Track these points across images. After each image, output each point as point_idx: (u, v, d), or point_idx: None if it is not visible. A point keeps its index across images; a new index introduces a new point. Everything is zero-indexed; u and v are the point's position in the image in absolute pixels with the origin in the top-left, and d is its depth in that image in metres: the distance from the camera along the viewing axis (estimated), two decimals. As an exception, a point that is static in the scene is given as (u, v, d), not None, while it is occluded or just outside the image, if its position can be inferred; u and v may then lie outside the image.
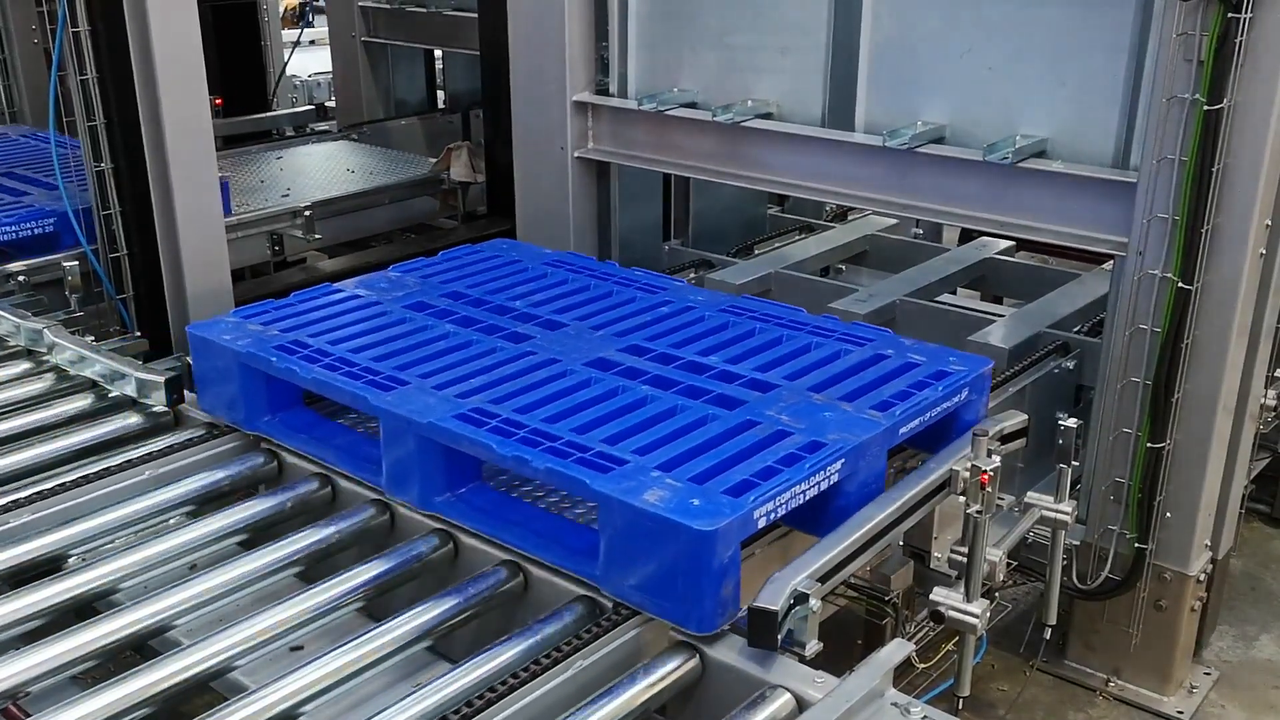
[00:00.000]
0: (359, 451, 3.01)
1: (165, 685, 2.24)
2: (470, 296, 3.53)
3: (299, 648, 2.48)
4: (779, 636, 2.26)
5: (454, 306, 3.44)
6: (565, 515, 2.83)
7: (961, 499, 2.65)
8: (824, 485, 2.57)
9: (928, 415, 2.89)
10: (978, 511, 2.60)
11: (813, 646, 2.29)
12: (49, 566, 2.66)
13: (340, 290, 3.58)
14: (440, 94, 7.80)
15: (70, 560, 2.71)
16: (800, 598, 2.28)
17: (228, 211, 4.95)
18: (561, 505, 2.88)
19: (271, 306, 3.42)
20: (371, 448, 2.96)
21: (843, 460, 2.60)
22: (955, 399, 2.98)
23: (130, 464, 3.05)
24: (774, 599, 2.25)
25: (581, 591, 2.54)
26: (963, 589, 2.66)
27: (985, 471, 2.58)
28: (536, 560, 2.63)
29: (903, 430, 2.80)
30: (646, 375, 2.99)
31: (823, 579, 2.37)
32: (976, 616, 2.63)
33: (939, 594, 2.67)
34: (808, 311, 3.43)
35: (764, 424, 2.72)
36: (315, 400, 3.22)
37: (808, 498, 2.53)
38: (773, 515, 2.44)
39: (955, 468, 2.66)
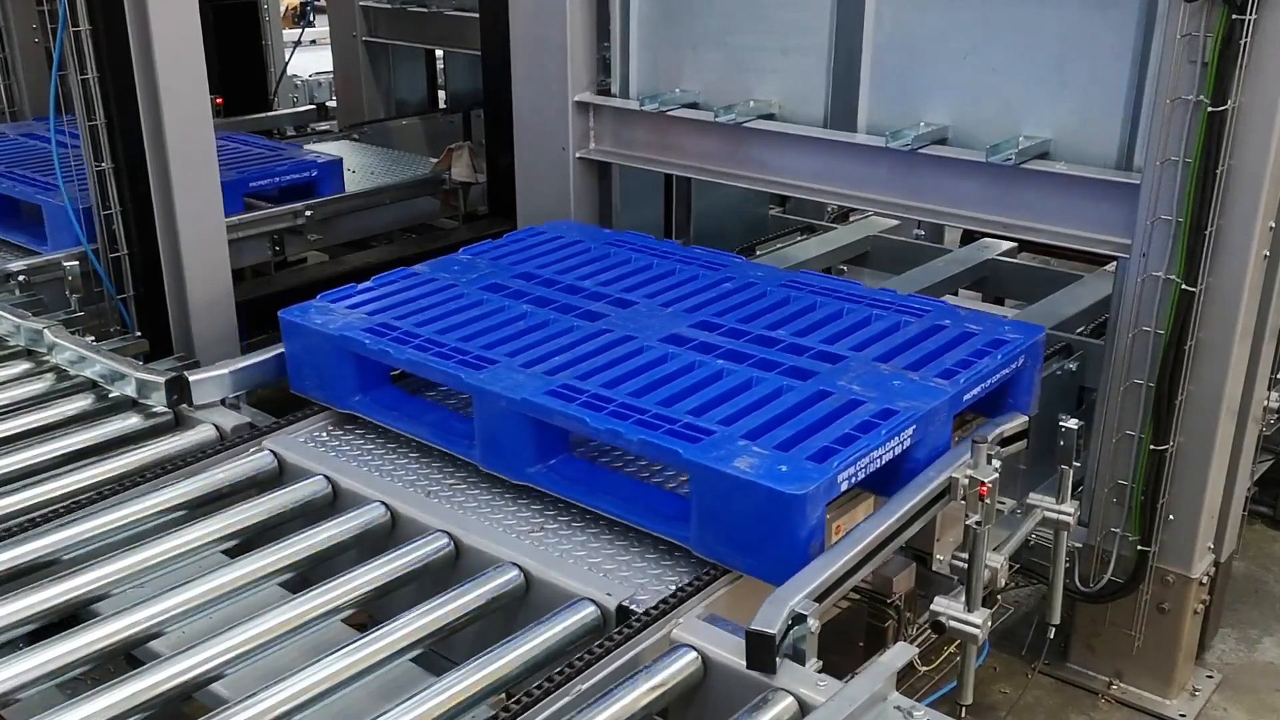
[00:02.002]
0: (449, 427, 3.17)
1: (159, 691, 2.24)
2: (541, 277, 3.68)
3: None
4: (777, 659, 2.25)
5: (527, 287, 3.59)
6: (649, 483, 2.96)
7: (962, 503, 2.65)
8: (898, 450, 2.74)
9: (988, 382, 3.03)
10: (977, 523, 2.59)
11: (812, 664, 2.28)
12: (45, 570, 2.65)
13: (416, 274, 3.71)
14: (441, 94, 7.79)
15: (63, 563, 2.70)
16: (798, 618, 2.27)
17: (341, 189, 5.43)
18: (642, 474, 3.01)
19: (355, 290, 3.55)
20: (461, 423, 3.17)
21: (914, 426, 2.76)
22: (1013, 366, 3.13)
23: (129, 465, 3.04)
24: (771, 622, 2.24)
25: (585, 593, 2.54)
26: (963, 598, 2.64)
27: (984, 483, 2.57)
28: (538, 563, 2.64)
29: (966, 397, 2.95)
30: (719, 350, 3.13)
31: (821, 597, 2.36)
32: (978, 626, 2.62)
33: (940, 604, 2.66)
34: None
35: (837, 394, 2.88)
36: (400, 379, 3.39)
37: (883, 462, 2.69)
38: (853, 479, 2.61)
39: (955, 476, 2.66)
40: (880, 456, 2.68)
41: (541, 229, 4.13)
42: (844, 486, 2.58)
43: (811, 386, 2.91)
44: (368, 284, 3.60)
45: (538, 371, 3.01)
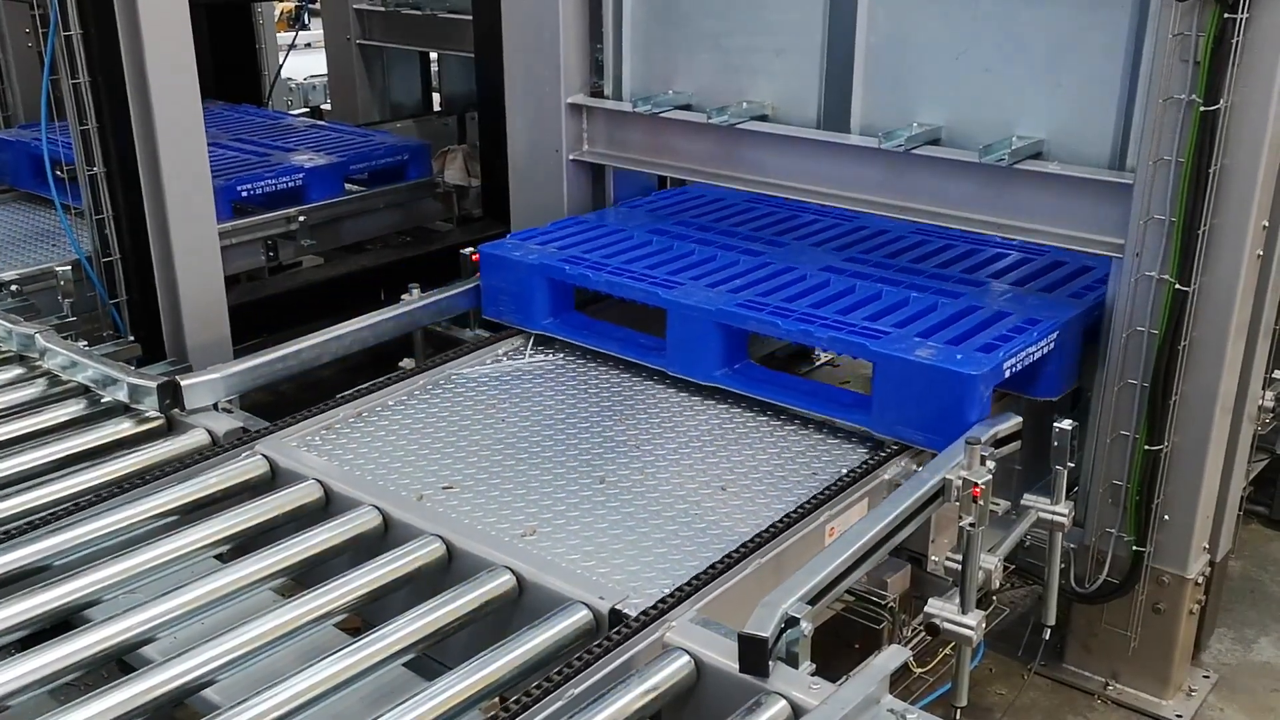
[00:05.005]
0: (634, 341, 3.75)
1: (151, 697, 2.23)
2: (697, 224, 4.23)
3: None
4: (770, 662, 2.24)
5: (687, 232, 4.12)
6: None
7: (956, 505, 2.64)
8: (1045, 350, 3.26)
9: None
10: (970, 524, 2.58)
11: (805, 667, 2.27)
12: (37, 576, 2.64)
13: (585, 220, 4.27)
14: (436, 96, 7.78)
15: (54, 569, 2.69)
16: (791, 621, 2.26)
17: (427, 174, 5.75)
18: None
19: (537, 232, 4.10)
20: (645, 338, 3.74)
21: (1058, 332, 3.29)
22: None
23: (121, 470, 3.03)
24: (764, 625, 2.23)
25: (578, 596, 2.53)
26: (958, 600, 2.64)
27: (976, 485, 2.56)
28: (530, 566, 2.63)
29: (1096, 313, 3.41)
30: (873, 276, 3.68)
31: (815, 599, 2.35)
32: (972, 628, 2.61)
33: (934, 606, 2.65)
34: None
35: (985, 308, 3.42)
36: (580, 307, 3.98)
37: (1033, 359, 3.20)
38: (1013, 369, 3.11)
39: (949, 477, 2.65)
40: (1033, 354, 3.19)
41: (682, 190, 4.65)
42: (1007, 374, 3.08)
43: (962, 302, 3.45)
44: (546, 228, 4.15)
45: (722, 291, 3.54)
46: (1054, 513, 3.01)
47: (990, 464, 2.67)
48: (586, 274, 3.73)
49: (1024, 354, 3.16)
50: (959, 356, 3.07)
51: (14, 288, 4.26)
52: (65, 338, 3.67)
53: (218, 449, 3.15)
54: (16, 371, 3.60)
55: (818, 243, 4.03)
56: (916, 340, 3.17)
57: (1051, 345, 3.27)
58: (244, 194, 5.01)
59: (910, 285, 3.59)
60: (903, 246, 3.98)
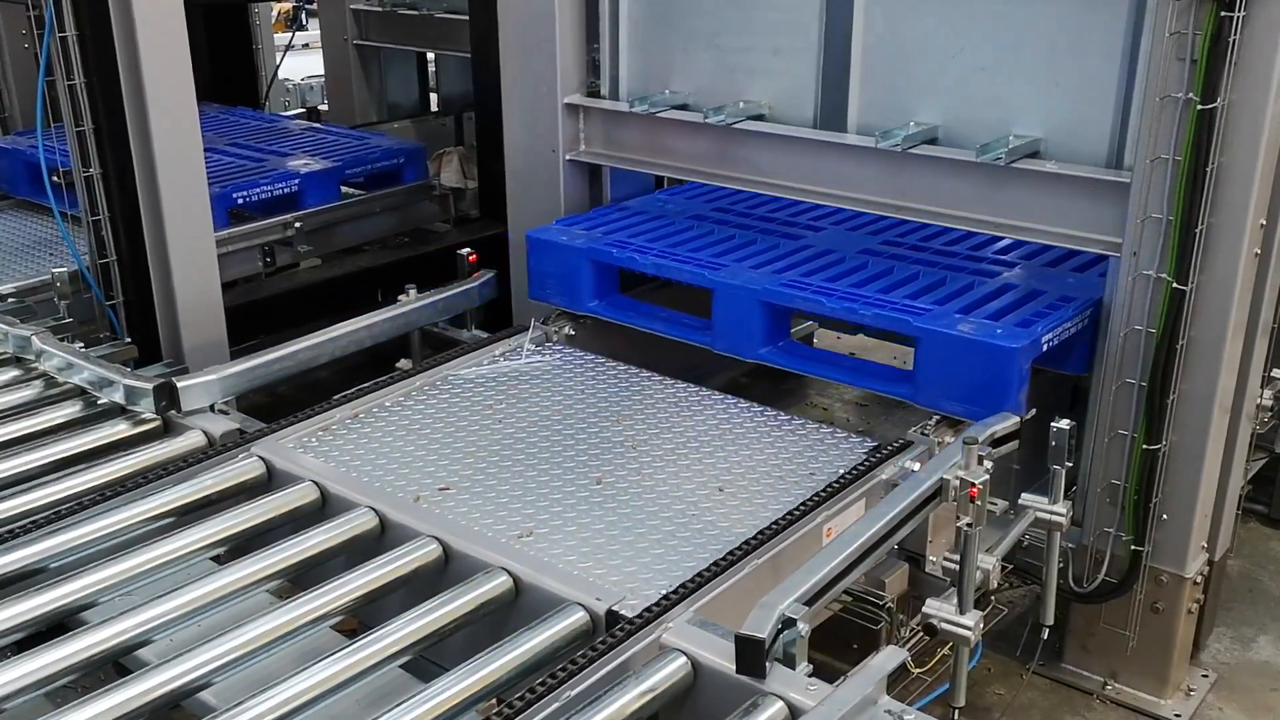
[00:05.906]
0: (679, 321, 3.88)
1: (147, 699, 2.23)
2: (735, 211, 4.34)
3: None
4: (767, 663, 2.23)
5: (725, 218, 4.25)
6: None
7: (954, 505, 2.64)
8: (1080, 326, 3.38)
9: None
10: (968, 524, 2.57)
11: (803, 668, 2.27)
12: (32, 578, 2.63)
13: (626, 208, 4.37)
14: (433, 96, 7.77)
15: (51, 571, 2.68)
16: (788, 622, 2.26)
17: (423, 176, 5.71)
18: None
19: (583, 219, 4.20)
20: (688, 319, 3.87)
21: (1091, 309, 3.40)
22: None
23: (117, 472, 3.03)
24: (761, 626, 2.23)
25: (575, 598, 2.53)
26: (955, 600, 2.63)
27: (974, 485, 2.56)
28: (527, 568, 2.63)
29: None
30: (910, 258, 3.81)
31: (812, 600, 2.35)
32: (969, 628, 2.61)
33: (931, 606, 2.64)
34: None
35: (1020, 286, 3.55)
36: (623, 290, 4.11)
37: (1068, 335, 3.33)
38: (1051, 343, 3.25)
39: (946, 477, 2.64)
40: (1068, 329, 3.32)
41: None
42: (1045, 348, 3.21)
43: (997, 282, 3.59)
44: (588, 214, 4.28)
45: (765, 272, 3.66)
46: (1052, 512, 3.00)
47: (988, 464, 2.67)
48: (634, 257, 3.84)
49: (1060, 329, 3.28)
50: (999, 331, 3.19)
51: (10, 300, 4.25)
52: (61, 339, 3.67)
53: (214, 450, 3.15)
54: (13, 373, 3.60)
55: (853, 228, 4.15)
56: (957, 316, 3.30)
57: (1085, 322, 3.38)
58: (240, 201, 4.97)
59: (946, 266, 3.72)
60: (935, 230, 4.03)
